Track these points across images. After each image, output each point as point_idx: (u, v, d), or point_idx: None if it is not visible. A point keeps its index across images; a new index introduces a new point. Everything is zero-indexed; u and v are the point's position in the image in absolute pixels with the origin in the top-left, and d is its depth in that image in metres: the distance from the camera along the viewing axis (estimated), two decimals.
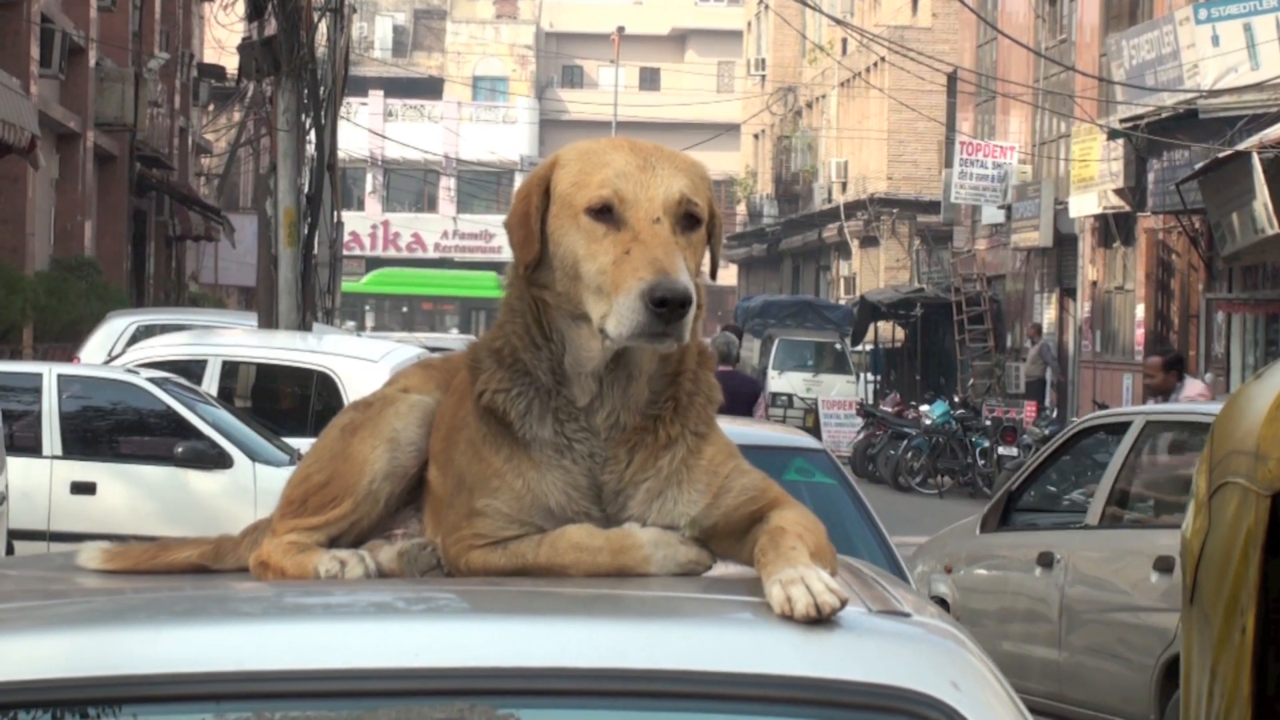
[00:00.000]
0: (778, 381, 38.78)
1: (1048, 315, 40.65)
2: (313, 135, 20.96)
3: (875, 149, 54.83)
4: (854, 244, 56.68)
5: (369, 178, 76.71)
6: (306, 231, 20.16)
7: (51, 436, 13.00)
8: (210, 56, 46.65)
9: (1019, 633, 10.56)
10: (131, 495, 12.97)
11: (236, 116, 45.72)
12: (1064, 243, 39.21)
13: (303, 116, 20.05)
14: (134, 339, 18.71)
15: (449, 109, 77.40)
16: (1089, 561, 10.16)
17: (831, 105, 60.25)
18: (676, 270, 2.73)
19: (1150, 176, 30.79)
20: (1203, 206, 27.23)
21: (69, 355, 21.49)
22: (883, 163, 54.21)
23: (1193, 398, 13.52)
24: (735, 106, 75.21)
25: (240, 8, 22.00)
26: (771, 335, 41.53)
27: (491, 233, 73.77)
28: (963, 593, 11.22)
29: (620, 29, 76.89)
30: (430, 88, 79.17)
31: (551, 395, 2.89)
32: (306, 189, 20.66)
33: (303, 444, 12.43)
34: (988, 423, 29.42)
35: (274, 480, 12.31)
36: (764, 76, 68.06)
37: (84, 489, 12.92)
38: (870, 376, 43.88)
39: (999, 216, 42.20)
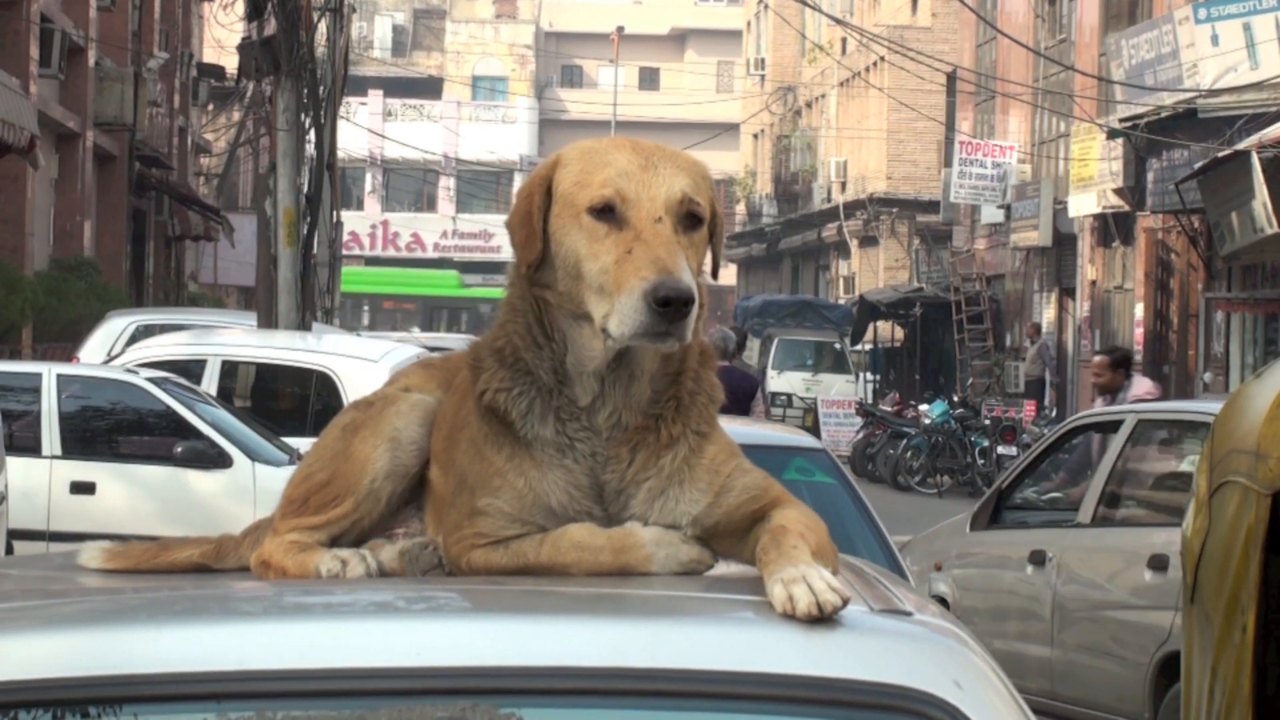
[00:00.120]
0: (777, 381, 38.79)
1: (1047, 315, 40.66)
2: (312, 135, 20.95)
3: (875, 148, 54.83)
4: (853, 243, 56.68)
5: (368, 177, 76.71)
6: (306, 231, 20.15)
7: (51, 436, 13.00)
8: (210, 56, 46.65)
9: (1010, 630, 10.56)
10: (131, 495, 12.96)
11: (236, 116, 45.74)
12: (1063, 242, 39.22)
13: (302, 116, 20.05)
14: (133, 339, 18.71)
15: (448, 109, 77.40)
16: (1082, 559, 10.17)
17: (831, 105, 60.25)
18: (679, 269, 2.73)
19: (1149, 176, 30.78)
20: (1202, 206, 27.22)
21: (68, 355, 21.48)
22: (882, 162, 54.21)
23: (1140, 396, 13.62)
24: (735, 106, 75.22)
25: (240, 7, 22.00)
26: (771, 335, 41.55)
27: (491, 232, 73.78)
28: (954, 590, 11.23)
29: (620, 29, 76.90)
30: (430, 87, 79.17)
31: (553, 394, 2.89)
32: (306, 189, 20.65)
33: (302, 444, 12.43)
34: (987, 422, 29.43)
35: (273, 480, 12.31)
36: (763, 76, 68.06)
37: (83, 489, 12.91)
38: (869, 376, 43.90)
39: (998, 216, 42.21)
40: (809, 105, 63.73)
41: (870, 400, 38.77)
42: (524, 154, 76.09)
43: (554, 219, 2.87)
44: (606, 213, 2.81)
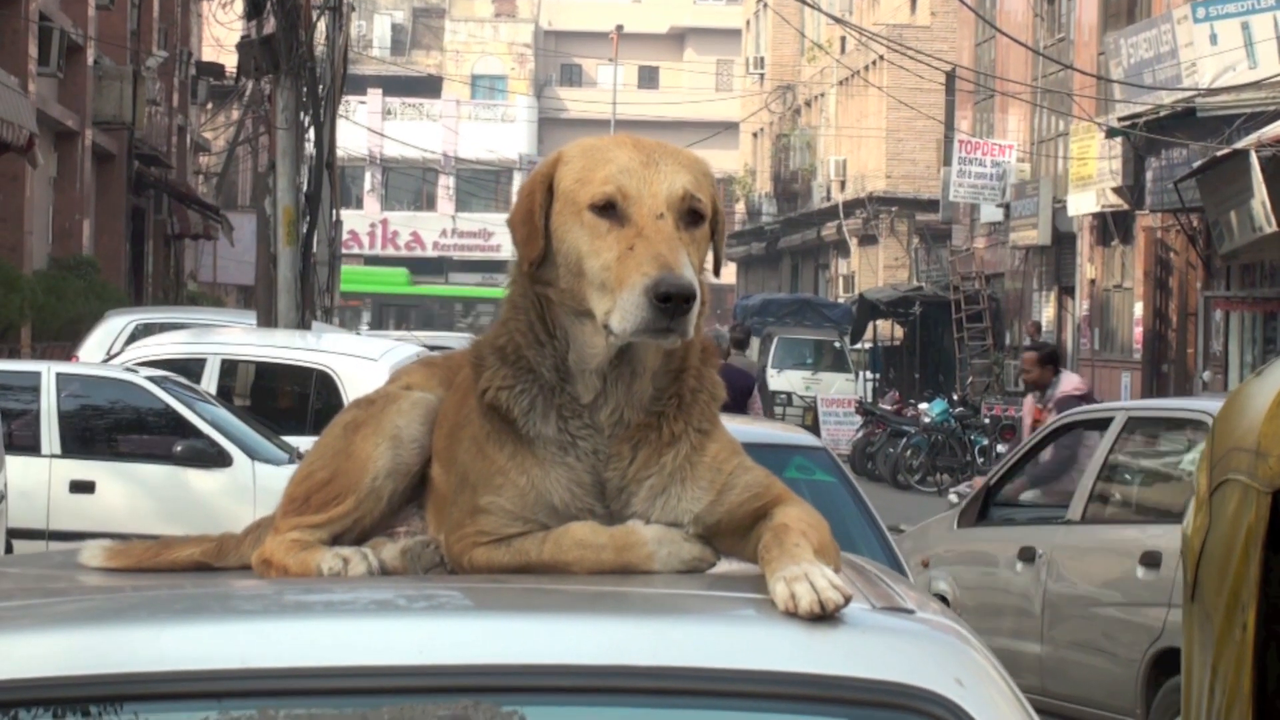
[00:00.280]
0: (777, 379, 38.77)
1: (1046, 313, 40.67)
2: (311, 133, 20.96)
3: (874, 147, 54.83)
4: (853, 242, 56.69)
5: (368, 176, 76.71)
6: (305, 230, 20.15)
7: (50, 435, 12.99)
8: (209, 55, 46.67)
9: (999, 627, 10.57)
10: (130, 494, 12.96)
11: (235, 115, 45.75)
12: (1062, 241, 39.23)
13: (301, 115, 20.05)
14: (132, 337, 18.71)
15: (448, 107, 77.40)
16: (1073, 556, 10.19)
17: (830, 104, 60.25)
18: (680, 266, 2.73)
19: (1148, 175, 30.79)
20: (1201, 205, 27.23)
21: (67, 354, 21.48)
22: (881, 161, 54.22)
23: (1067, 391, 13.76)
24: (734, 105, 75.24)
25: (239, 6, 22.01)
26: (771, 333, 41.55)
27: (490, 231, 73.78)
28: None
29: (619, 27, 76.91)
30: (429, 86, 79.17)
31: (555, 392, 2.89)
32: (305, 187, 20.66)
33: (302, 442, 12.45)
34: (986, 420, 29.44)
35: (273, 479, 12.31)
36: (763, 75, 68.06)
37: (83, 488, 12.91)
38: (869, 374, 43.90)
39: (997, 215, 42.22)
40: (808, 104, 63.74)
41: (870, 399, 38.78)
42: (523, 153, 76.11)
43: (556, 216, 2.87)
44: (608, 209, 2.81)
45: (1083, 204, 35.39)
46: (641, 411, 2.89)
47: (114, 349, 18.28)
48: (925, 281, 48.01)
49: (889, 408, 34.17)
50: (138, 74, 33.20)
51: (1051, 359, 14.29)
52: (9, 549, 11.80)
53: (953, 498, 14.85)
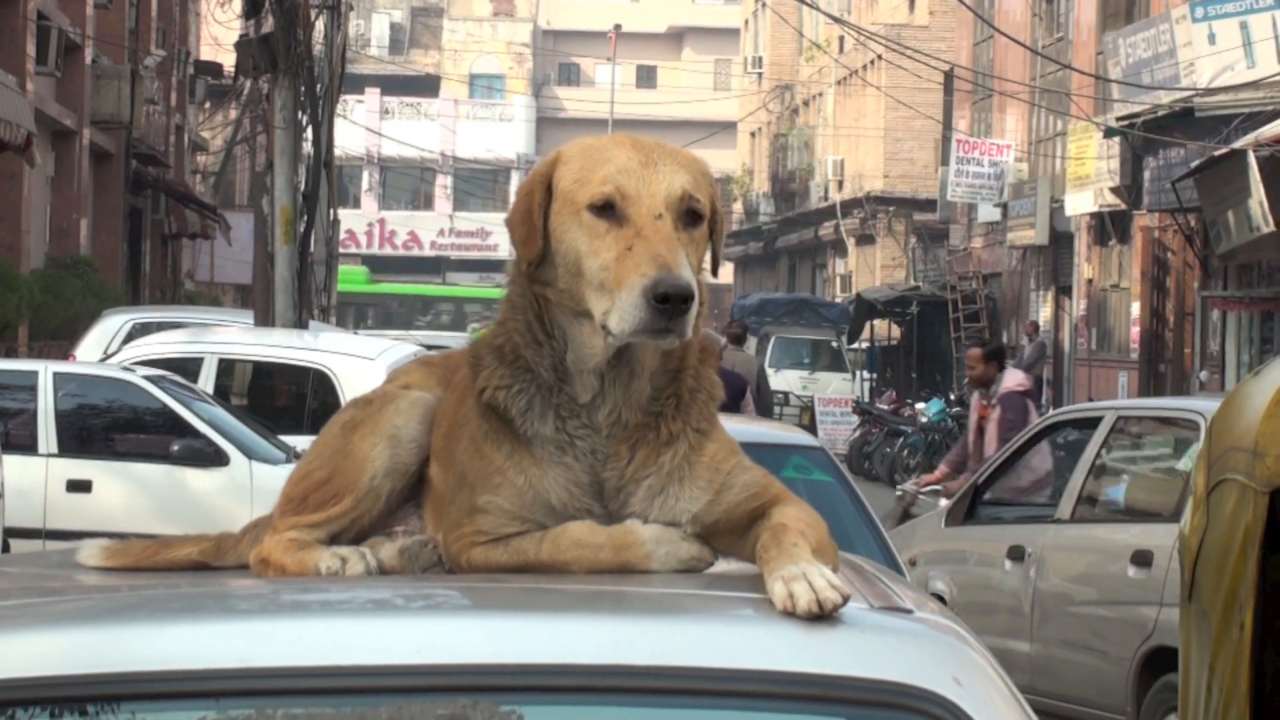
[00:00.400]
0: (774, 379, 38.72)
1: (1043, 313, 40.68)
2: (309, 133, 20.96)
3: (872, 147, 54.84)
4: (850, 242, 56.69)
5: (365, 175, 76.70)
6: (303, 229, 20.15)
7: (47, 434, 12.98)
8: (207, 54, 46.66)
9: (988, 625, 10.58)
10: (127, 493, 12.95)
11: (233, 114, 45.75)
12: (1060, 241, 39.23)
13: (299, 114, 20.05)
14: (130, 337, 18.71)
15: (446, 107, 77.39)
16: (1063, 555, 10.20)
17: (828, 103, 60.25)
18: (679, 266, 2.73)
19: (1146, 175, 30.79)
20: (1198, 204, 27.23)
21: (65, 353, 21.48)
22: (879, 161, 54.22)
23: (1011, 388, 13.87)
24: (732, 104, 75.23)
25: (237, 5, 22.01)
26: (768, 333, 41.54)
27: (488, 230, 73.77)
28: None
29: (617, 27, 76.89)
30: (427, 85, 79.17)
31: (553, 392, 2.89)
32: (303, 187, 20.66)
33: (299, 442, 12.44)
34: None
35: (270, 478, 12.31)
36: (761, 74, 68.06)
37: (80, 487, 12.90)
38: (866, 374, 43.88)
39: (995, 214, 42.22)
40: (806, 103, 63.74)
41: (867, 398, 38.78)
42: (521, 152, 76.09)
43: (554, 216, 2.87)
44: (607, 209, 2.81)
45: (1080, 204, 35.39)
46: (639, 411, 2.89)
47: (111, 348, 18.28)
48: (922, 281, 48.01)
49: (886, 407, 34.16)
50: (136, 73, 33.19)
51: (996, 355, 14.46)
52: (6, 548, 11.80)
53: (898, 492, 15.02)
